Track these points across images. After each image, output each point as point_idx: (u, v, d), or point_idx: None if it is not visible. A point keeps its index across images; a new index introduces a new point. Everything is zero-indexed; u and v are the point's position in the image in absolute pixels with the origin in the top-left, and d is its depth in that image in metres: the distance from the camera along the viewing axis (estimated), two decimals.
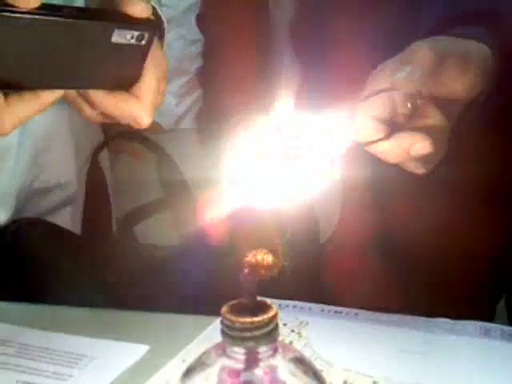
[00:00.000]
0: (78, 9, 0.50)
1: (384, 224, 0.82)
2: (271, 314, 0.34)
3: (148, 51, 0.49)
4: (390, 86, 0.48)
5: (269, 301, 0.35)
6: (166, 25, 0.67)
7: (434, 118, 0.49)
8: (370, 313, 0.55)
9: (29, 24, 0.42)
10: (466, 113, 0.53)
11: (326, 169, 0.49)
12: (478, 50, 0.52)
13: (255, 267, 0.35)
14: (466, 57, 0.51)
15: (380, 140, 0.48)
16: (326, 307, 0.57)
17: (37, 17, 0.43)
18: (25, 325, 0.57)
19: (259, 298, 0.36)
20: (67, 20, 0.44)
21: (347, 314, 0.55)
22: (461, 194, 0.75)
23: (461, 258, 0.77)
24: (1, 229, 0.78)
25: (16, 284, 0.76)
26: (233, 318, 0.34)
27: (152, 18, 0.51)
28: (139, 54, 0.49)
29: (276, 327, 0.34)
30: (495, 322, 0.57)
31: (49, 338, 0.54)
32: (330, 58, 0.75)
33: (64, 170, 0.86)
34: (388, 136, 0.48)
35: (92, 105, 0.51)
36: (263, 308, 0.35)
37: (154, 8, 0.62)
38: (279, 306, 0.58)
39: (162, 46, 0.62)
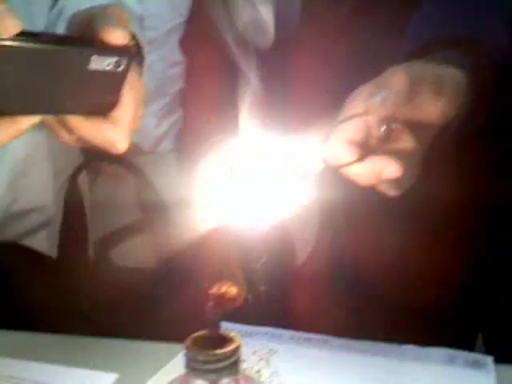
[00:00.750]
0: (56, 36, 0.51)
1: (355, 249, 0.83)
2: (234, 346, 0.34)
3: (125, 78, 0.50)
4: (365, 110, 0.48)
5: (232, 333, 0.35)
6: (145, 50, 0.67)
7: (407, 142, 0.50)
8: (339, 340, 0.55)
9: (7, 51, 0.42)
10: (438, 137, 0.53)
11: (301, 190, 0.51)
12: (452, 75, 0.53)
13: (219, 299, 0.35)
14: (440, 82, 0.51)
15: (352, 163, 0.48)
16: (297, 334, 0.56)
17: (15, 44, 0.43)
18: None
19: (223, 330, 0.35)
20: (45, 47, 0.44)
21: (317, 340, 0.54)
22: (431, 218, 0.75)
23: (429, 283, 0.77)
24: None
25: None
26: (196, 350, 0.34)
27: (130, 44, 0.51)
28: (116, 81, 0.49)
29: (238, 359, 0.34)
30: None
31: (16, 366, 0.53)
32: (306, 82, 0.76)
33: (41, 194, 0.85)
34: (360, 159, 0.48)
35: (69, 130, 0.51)
36: (226, 340, 0.34)
37: (134, 33, 0.63)
38: (249, 332, 0.57)
39: (140, 72, 0.62)
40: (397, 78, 0.49)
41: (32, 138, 0.79)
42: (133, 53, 0.50)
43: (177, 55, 1.05)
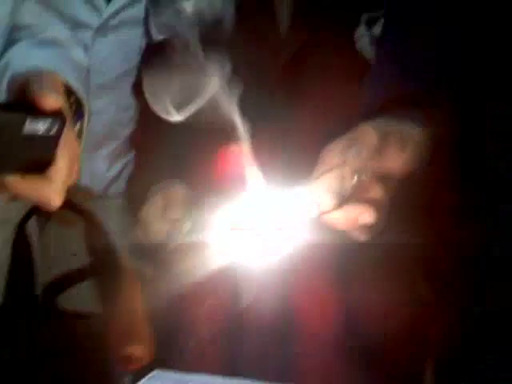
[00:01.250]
0: None
1: (299, 293, 0.85)
2: None
3: (59, 140, 0.51)
4: (341, 162, 0.55)
5: None
6: (86, 107, 0.69)
7: (376, 191, 0.57)
8: None
9: None
10: (401, 187, 0.59)
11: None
12: (413, 131, 0.59)
13: (126, 361, 0.37)
14: (403, 138, 0.58)
15: (332, 210, 0.55)
16: (229, 381, 0.58)
17: None
18: None
19: None
20: None
21: None
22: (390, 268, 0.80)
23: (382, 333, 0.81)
24: None
25: None
26: None
27: (64, 108, 0.53)
28: (50, 143, 0.51)
29: None
30: None
31: None
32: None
33: None
34: (338, 207, 0.55)
35: (4, 188, 0.52)
36: None
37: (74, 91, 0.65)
38: (183, 381, 0.59)
39: (78, 129, 0.63)
40: (368, 134, 0.56)
41: None
42: (64, 117, 0.52)
43: (128, 99, 1.07)
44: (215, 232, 0.60)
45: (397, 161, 0.57)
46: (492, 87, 0.65)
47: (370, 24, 0.88)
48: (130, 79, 1.06)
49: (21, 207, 0.92)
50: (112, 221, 0.96)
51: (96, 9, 1.14)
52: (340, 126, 0.64)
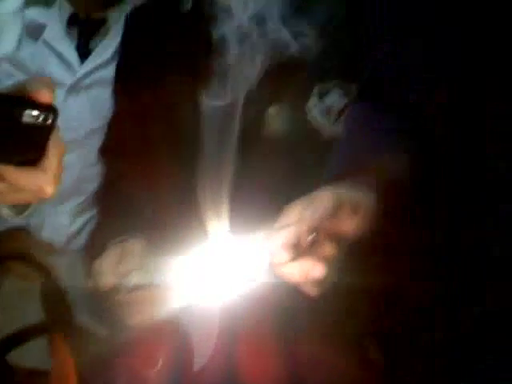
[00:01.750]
0: None
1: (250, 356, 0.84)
2: None
3: (52, 131, 0.57)
4: (298, 220, 0.60)
5: None
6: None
7: (329, 250, 0.61)
8: None
9: None
10: (353, 248, 0.64)
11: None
12: (365, 199, 0.65)
13: None
14: (356, 204, 0.63)
15: (287, 263, 0.59)
16: None
17: None
18: None
19: None
20: None
21: None
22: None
23: None
24: None
25: None
26: None
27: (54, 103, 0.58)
28: (45, 133, 0.56)
29: None
30: None
31: None
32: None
33: None
34: (293, 260, 0.60)
35: (2, 179, 0.57)
36: None
37: None
38: None
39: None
40: (324, 197, 0.62)
41: None
42: (57, 109, 0.57)
43: (94, 156, 1.08)
44: (169, 275, 0.62)
45: (349, 223, 0.62)
46: (492, 87, 0.71)
47: (321, 95, 0.91)
48: (99, 136, 1.07)
49: None
50: (71, 276, 0.95)
51: (70, 68, 1.17)
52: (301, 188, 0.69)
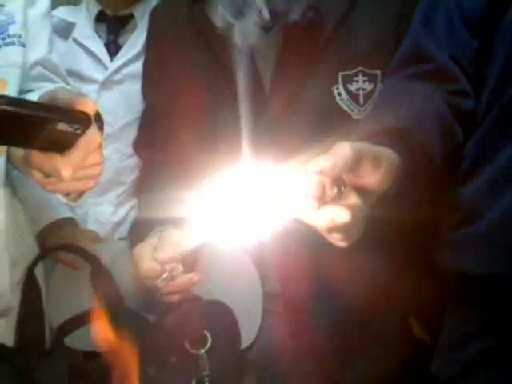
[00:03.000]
0: (39, 104, 0.69)
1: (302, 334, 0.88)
2: None
3: (80, 136, 0.68)
4: (320, 171, 0.60)
5: None
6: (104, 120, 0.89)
7: (354, 200, 0.62)
8: None
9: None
10: (378, 201, 0.65)
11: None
12: (388, 155, 0.65)
13: None
14: (378, 158, 0.63)
15: (311, 211, 0.60)
16: None
17: (11, 109, 0.62)
18: None
19: None
20: (32, 112, 0.64)
21: None
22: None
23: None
24: None
25: None
26: None
27: (91, 113, 0.69)
28: (73, 138, 0.69)
29: None
30: None
31: None
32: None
33: (1, 284, 0.91)
34: (317, 208, 0.60)
35: (28, 161, 0.71)
36: None
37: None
38: None
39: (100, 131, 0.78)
40: (343, 149, 0.61)
41: None
42: (90, 121, 0.69)
43: (131, 148, 1.13)
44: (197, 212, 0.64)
45: (371, 177, 0.62)
46: None
47: (345, 82, 0.93)
48: (133, 129, 1.12)
49: (30, 252, 0.97)
50: (117, 263, 1.00)
51: (101, 65, 1.21)
52: None
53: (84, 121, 0.67)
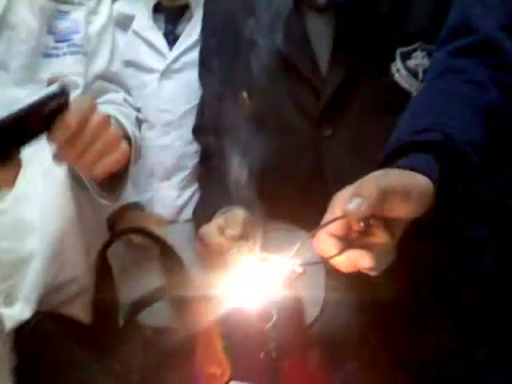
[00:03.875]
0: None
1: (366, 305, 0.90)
2: None
3: (68, 101, 0.73)
4: (343, 213, 0.59)
5: None
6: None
7: (381, 237, 0.60)
8: None
9: None
10: (410, 229, 0.63)
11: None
12: (419, 182, 0.62)
13: (211, 376, 0.44)
14: (408, 190, 0.60)
15: (335, 255, 0.59)
16: None
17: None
18: None
19: None
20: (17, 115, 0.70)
21: None
22: None
23: None
24: (21, 323, 0.88)
25: (34, 374, 0.86)
26: None
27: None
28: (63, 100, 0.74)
29: None
30: None
31: None
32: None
33: (77, 267, 0.98)
34: (341, 252, 0.59)
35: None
36: None
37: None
38: None
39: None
40: (369, 188, 0.59)
41: (66, 221, 0.92)
42: (68, 90, 0.73)
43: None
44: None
45: (400, 210, 0.60)
46: None
47: (404, 58, 0.92)
48: (194, 116, 1.15)
49: (101, 237, 1.03)
50: (183, 245, 1.04)
51: (160, 55, 1.25)
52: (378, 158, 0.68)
53: (61, 91, 0.73)
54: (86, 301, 0.97)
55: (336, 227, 0.59)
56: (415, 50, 0.92)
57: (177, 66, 1.23)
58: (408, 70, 0.92)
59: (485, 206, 0.83)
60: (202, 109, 1.11)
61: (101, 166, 0.77)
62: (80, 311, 0.96)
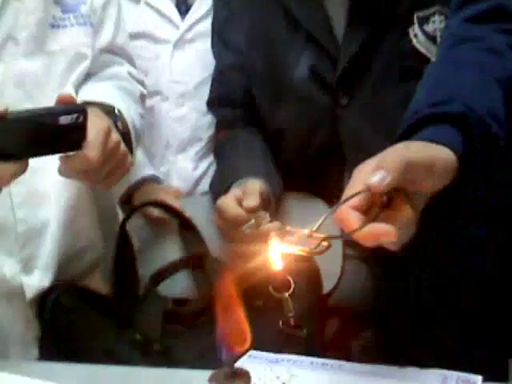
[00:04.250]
0: (37, 108, 0.78)
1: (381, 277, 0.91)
2: (244, 381, 0.44)
3: (86, 124, 0.76)
4: (366, 187, 0.58)
5: (244, 369, 0.45)
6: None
7: (404, 210, 0.59)
8: (351, 364, 0.64)
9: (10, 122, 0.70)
10: (431, 202, 0.62)
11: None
12: (443, 155, 0.61)
13: (231, 346, 0.45)
14: (432, 163, 0.59)
15: (357, 230, 0.57)
16: (315, 360, 0.65)
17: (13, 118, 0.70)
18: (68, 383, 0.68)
19: (237, 367, 0.46)
20: (30, 113, 0.73)
21: (332, 365, 0.64)
22: None
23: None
24: (43, 294, 0.90)
25: (57, 345, 0.88)
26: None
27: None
28: (80, 127, 0.75)
29: None
30: None
31: None
32: None
33: (92, 235, 1.00)
34: (363, 226, 0.57)
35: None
36: (239, 375, 0.45)
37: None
38: (274, 359, 0.67)
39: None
40: (392, 161, 0.58)
41: (76, 189, 0.93)
42: (86, 109, 0.76)
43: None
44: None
45: (424, 184, 0.59)
46: None
47: (421, 23, 0.91)
48: (208, 86, 1.15)
49: (112, 205, 1.05)
50: (200, 217, 1.05)
51: (172, 25, 1.24)
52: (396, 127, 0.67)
53: (80, 109, 0.75)
54: (106, 273, 0.98)
55: (358, 201, 0.58)
56: (433, 14, 0.90)
57: (189, 36, 1.22)
58: (426, 34, 0.91)
59: (485, 206, 0.83)
60: (217, 81, 1.10)
61: (108, 182, 0.85)
62: (101, 284, 0.98)
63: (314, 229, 0.57)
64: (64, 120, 0.72)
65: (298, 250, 0.57)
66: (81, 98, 0.92)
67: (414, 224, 0.59)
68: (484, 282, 0.84)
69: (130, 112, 0.95)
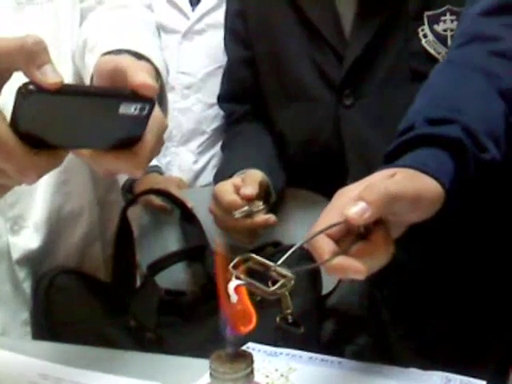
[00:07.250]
0: (93, 87, 0.61)
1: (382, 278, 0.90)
2: (247, 362, 0.44)
3: (148, 119, 0.57)
4: (343, 219, 0.53)
5: (247, 351, 0.45)
6: (166, 92, 0.77)
7: (382, 243, 0.55)
8: (351, 362, 0.63)
9: (58, 101, 0.52)
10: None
11: None
12: (430, 188, 0.57)
13: (236, 326, 0.44)
14: (417, 196, 0.55)
15: (327, 261, 0.54)
16: (314, 355, 0.65)
17: (63, 96, 0.52)
18: (60, 362, 0.67)
19: (240, 349, 0.45)
20: (84, 97, 0.54)
21: (332, 362, 0.63)
22: None
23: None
24: (40, 278, 0.89)
25: (49, 325, 0.87)
26: (217, 364, 0.43)
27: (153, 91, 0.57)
28: (141, 122, 0.57)
29: (251, 372, 0.43)
30: None
31: (78, 374, 0.65)
32: None
33: (84, 200, 0.95)
34: (333, 257, 0.53)
35: (95, 160, 0.59)
36: (242, 356, 0.44)
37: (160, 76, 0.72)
38: (273, 352, 0.66)
39: (163, 110, 0.70)
40: (375, 193, 0.53)
41: None
42: (154, 100, 0.57)
43: (212, 97, 1.16)
44: None
45: (407, 217, 0.56)
46: None
47: (432, 22, 0.89)
48: (215, 79, 1.15)
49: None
50: (200, 209, 1.05)
51: (183, 15, 1.24)
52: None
53: (148, 98, 0.55)
54: (104, 257, 0.98)
55: (334, 229, 0.54)
56: (444, 13, 0.89)
57: (199, 26, 1.22)
58: (436, 35, 0.89)
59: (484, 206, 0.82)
60: (227, 75, 1.10)
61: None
62: (100, 270, 0.97)
63: (279, 263, 0.54)
64: (124, 109, 0.54)
65: (256, 286, 0.52)
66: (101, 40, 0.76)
67: (389, 256, 0.55)
68: (484, 281, 0.84)
69: (162, 63, 0.78)
